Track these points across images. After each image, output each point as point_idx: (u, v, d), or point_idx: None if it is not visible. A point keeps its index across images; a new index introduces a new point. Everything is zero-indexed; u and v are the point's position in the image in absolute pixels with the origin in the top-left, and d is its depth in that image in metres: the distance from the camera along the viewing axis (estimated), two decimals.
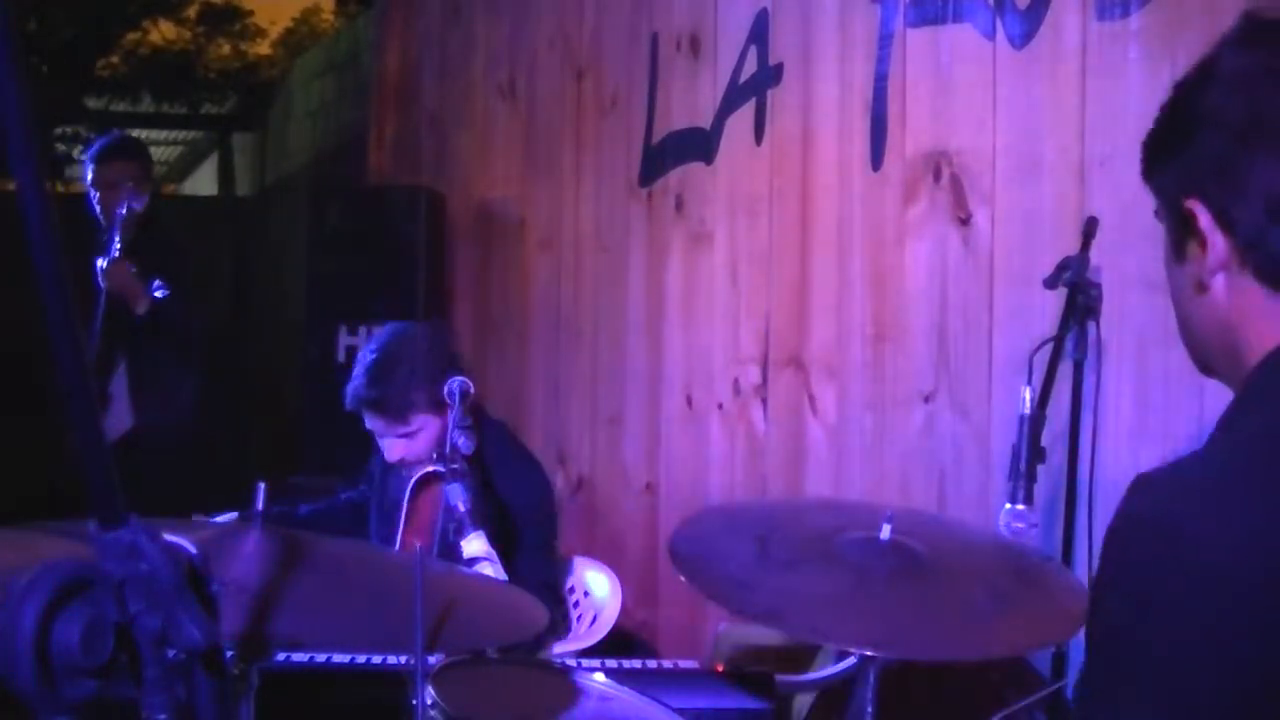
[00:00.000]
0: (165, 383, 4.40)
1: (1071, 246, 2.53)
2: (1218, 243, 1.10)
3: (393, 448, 2.86)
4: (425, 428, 2.83)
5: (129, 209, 4.24)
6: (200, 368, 4.53)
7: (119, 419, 4.38)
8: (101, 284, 4.22)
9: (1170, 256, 1.18)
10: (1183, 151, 1.12)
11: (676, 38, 3.94)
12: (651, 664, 2.63)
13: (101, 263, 4.22)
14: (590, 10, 4.36)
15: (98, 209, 4.40)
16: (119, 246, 4.23)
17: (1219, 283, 1.12)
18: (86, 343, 0.83)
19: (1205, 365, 1.21)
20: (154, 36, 8.82)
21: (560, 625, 3.16)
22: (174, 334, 4.35)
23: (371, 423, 2.86)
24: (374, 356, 2.84)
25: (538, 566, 2.93)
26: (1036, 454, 2.29)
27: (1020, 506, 2.22)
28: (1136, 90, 2.67)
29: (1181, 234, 1.14)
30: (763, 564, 1.97)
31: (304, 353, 5.17)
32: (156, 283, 4.29)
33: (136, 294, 4.25)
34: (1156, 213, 1.20)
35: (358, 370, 2.85)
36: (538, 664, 2.25)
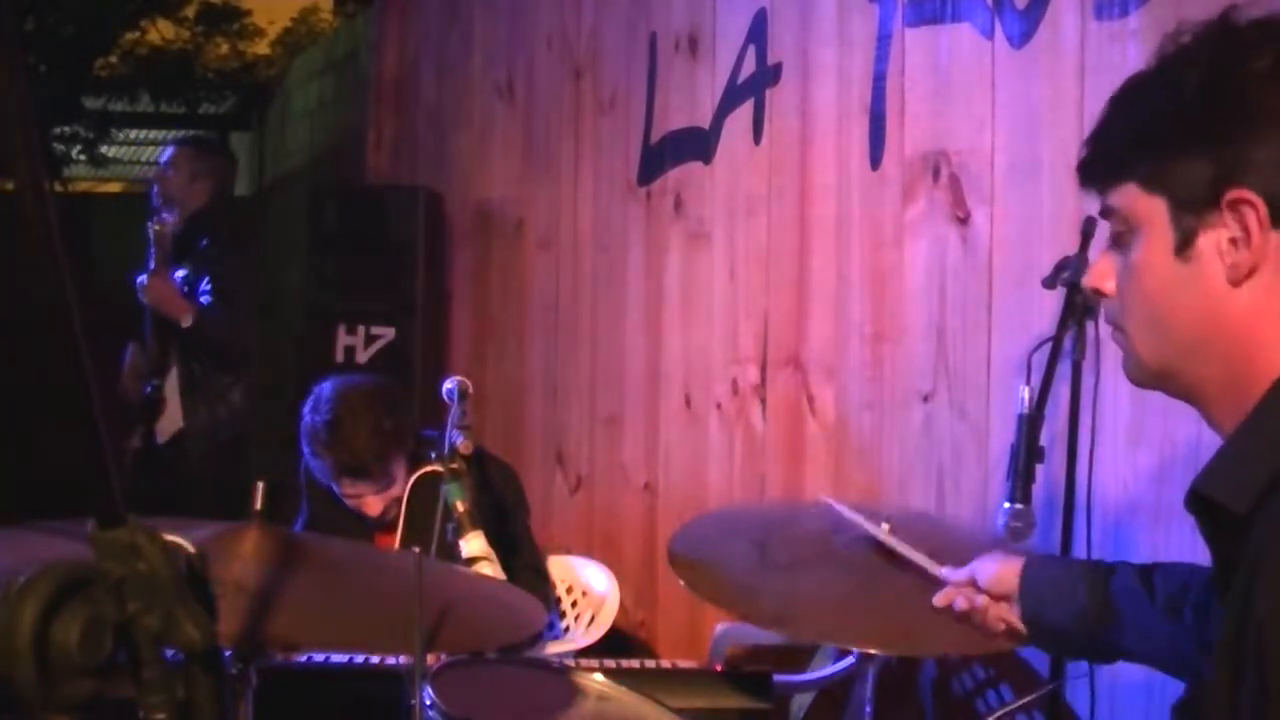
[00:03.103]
0: (213, 385, 4.42)
1: (1070, 246, 2.52)
2: (1273, 238, 1.09)
3: (375, 505, 2.86)
4: (398, 474, 2.85)
5: (161, 222, 4.29)
6: (249, 369, 4.54)
7: (171, 420, 4.40)
8: (142, 299, 4.27)
9: (1161, 255, 1.15)
10: (1227, 142, 1.10)
11: (675, 37, 3.94)
12: (650, 664, 2.64)
13: (141, 279, 4.27)
14: (588, 10, 4.35)
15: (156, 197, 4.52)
16: (154, 261, 4.27)
17: (1248, 282, 1.11)
18: (85, 347, 0.82)
19: (1166, 372, 1.18)
20: (152, 36, 8.80)
21: (552, 607, 3.21)
22: (218, 340, 4.35)
23: (354, 488, 2.84)
24: (339, 420, 2.79)
25: (529, 551, 3.07)
26: (1035, 454, 2.29)
27: (1019, 506, 2.22)
28: None
29: (1194, 228, 1.12)
30: (764, 567, 1.97)
31: (302, 353, 5.17)
32: (202, 288, 4.30)
33: (179, 307, 4.28)
34: (1106, 211, 1.18)
35: (326, 440, 2.80)
36: (536, 664, 2.25)
